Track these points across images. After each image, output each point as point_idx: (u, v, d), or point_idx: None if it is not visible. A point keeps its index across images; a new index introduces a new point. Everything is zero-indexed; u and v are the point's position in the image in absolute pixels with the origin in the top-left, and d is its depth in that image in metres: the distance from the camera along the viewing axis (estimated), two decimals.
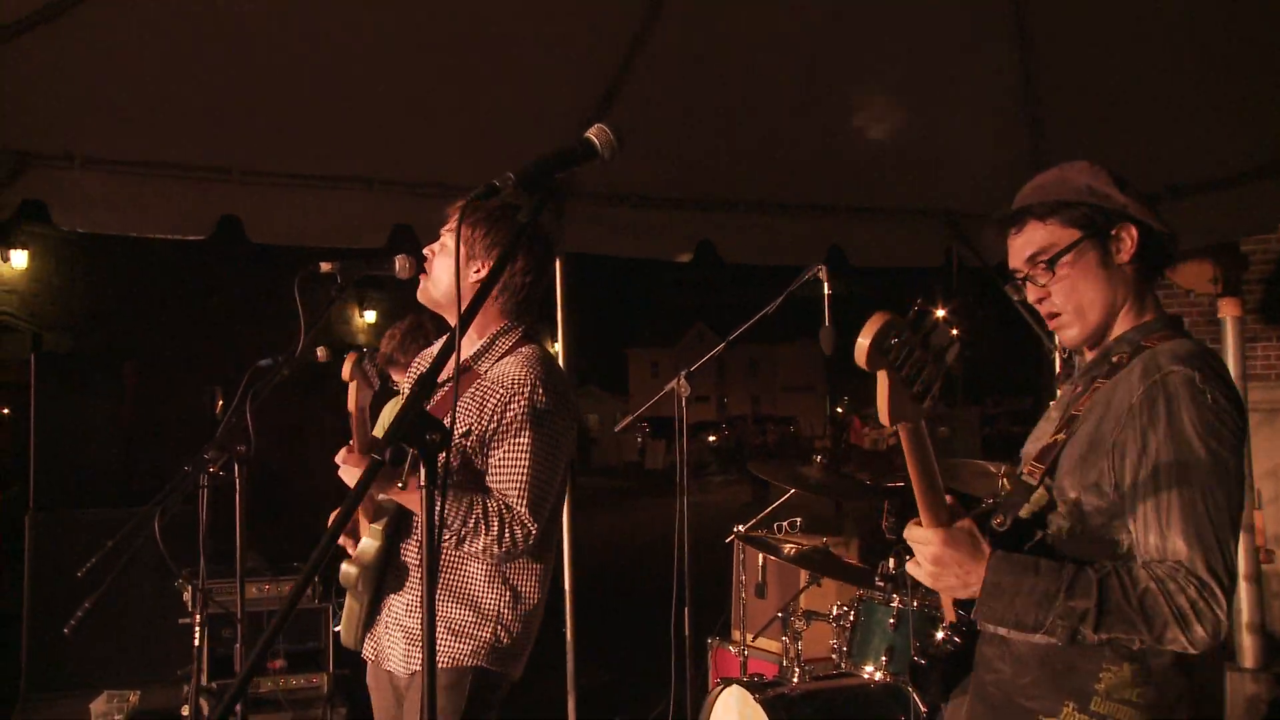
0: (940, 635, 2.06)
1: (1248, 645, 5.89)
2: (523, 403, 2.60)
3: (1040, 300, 2.06)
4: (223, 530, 3.58)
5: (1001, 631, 1.98)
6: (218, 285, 16.71)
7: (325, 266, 2.59)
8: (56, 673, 5.96)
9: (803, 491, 4.15)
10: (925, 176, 5.96)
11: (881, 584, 3.79)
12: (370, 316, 20.60)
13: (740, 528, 4.33)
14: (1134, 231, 2.01)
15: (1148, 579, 1.78)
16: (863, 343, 1.56)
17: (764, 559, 4.61)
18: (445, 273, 2.66)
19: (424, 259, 2.67)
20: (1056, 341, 6.49)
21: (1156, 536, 1.81)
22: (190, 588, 4.61)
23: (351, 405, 2.64)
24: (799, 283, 3.78)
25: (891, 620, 3.68)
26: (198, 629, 3.60)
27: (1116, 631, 1.79)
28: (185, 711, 3.65)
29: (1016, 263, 2.11)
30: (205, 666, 4.28)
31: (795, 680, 3.80)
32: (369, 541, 2.73)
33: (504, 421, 2.61)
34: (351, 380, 2.67)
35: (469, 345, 2.72)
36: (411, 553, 2.71)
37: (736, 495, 21.77)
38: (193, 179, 4.71)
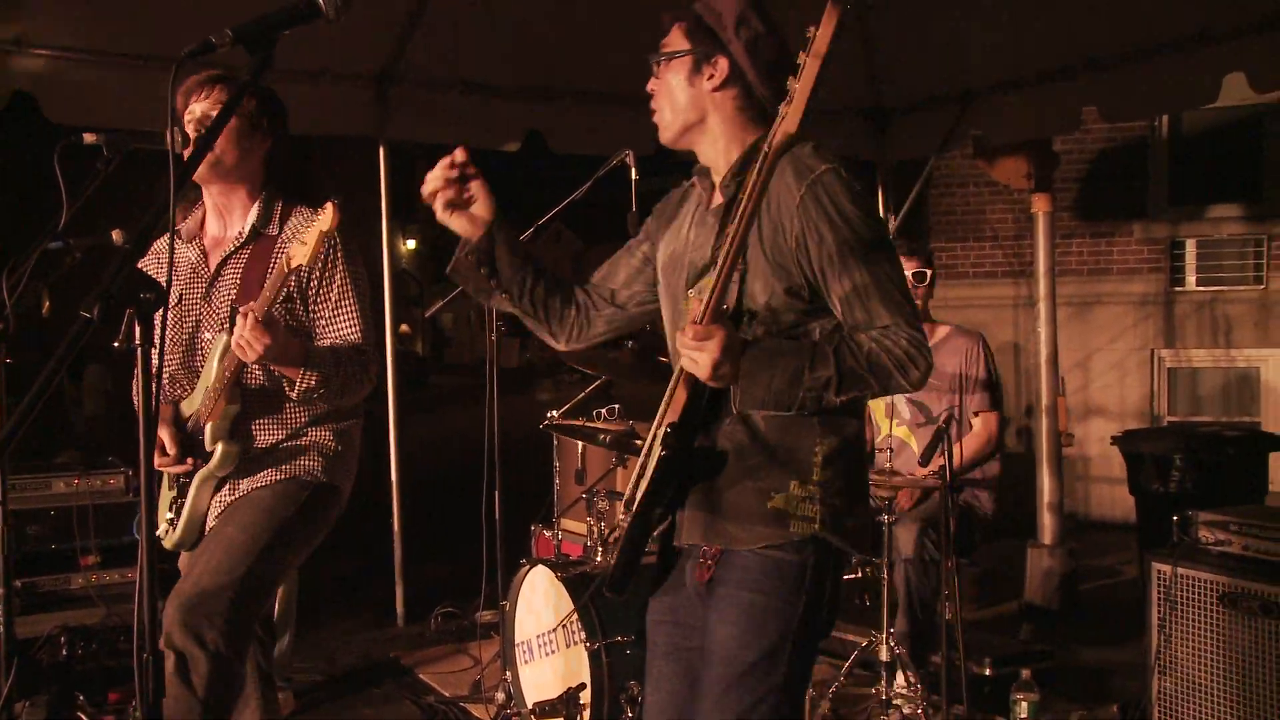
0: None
1: (1047, 524, 6.23)
2: (331, 256, 2.82)
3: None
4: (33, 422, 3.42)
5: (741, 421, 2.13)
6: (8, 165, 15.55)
7: (89, 138, 2.47)
8: None
9: (615, 378, 4.21)
10: None
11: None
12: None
13: (554, 413, 4.38)
14: (724, 65, 2.18)
15: (868, 341, 2.04)
16: None
17: (583, 445, 4.69)
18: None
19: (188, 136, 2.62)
20: None
21: (861, 312, 2.06)
22: None
23: None
24: (606, 168, 3.79)
25: None
26: None
27: (853, 391, 2.04)
28: None
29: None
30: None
31: (598, 559, 3.91)
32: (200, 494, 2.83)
33: (320, 276, 2.81)
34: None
35: (243, 216, 2.87)
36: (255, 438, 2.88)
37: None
38: None
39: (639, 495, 2.13)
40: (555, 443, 4.79)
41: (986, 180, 8.20)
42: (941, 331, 4.59)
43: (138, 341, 1.56)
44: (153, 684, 1.58)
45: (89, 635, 4.55)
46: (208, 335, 2.89)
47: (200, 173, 2.77)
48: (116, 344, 1.91)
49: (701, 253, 2.22)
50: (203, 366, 2.89)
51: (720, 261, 1.95)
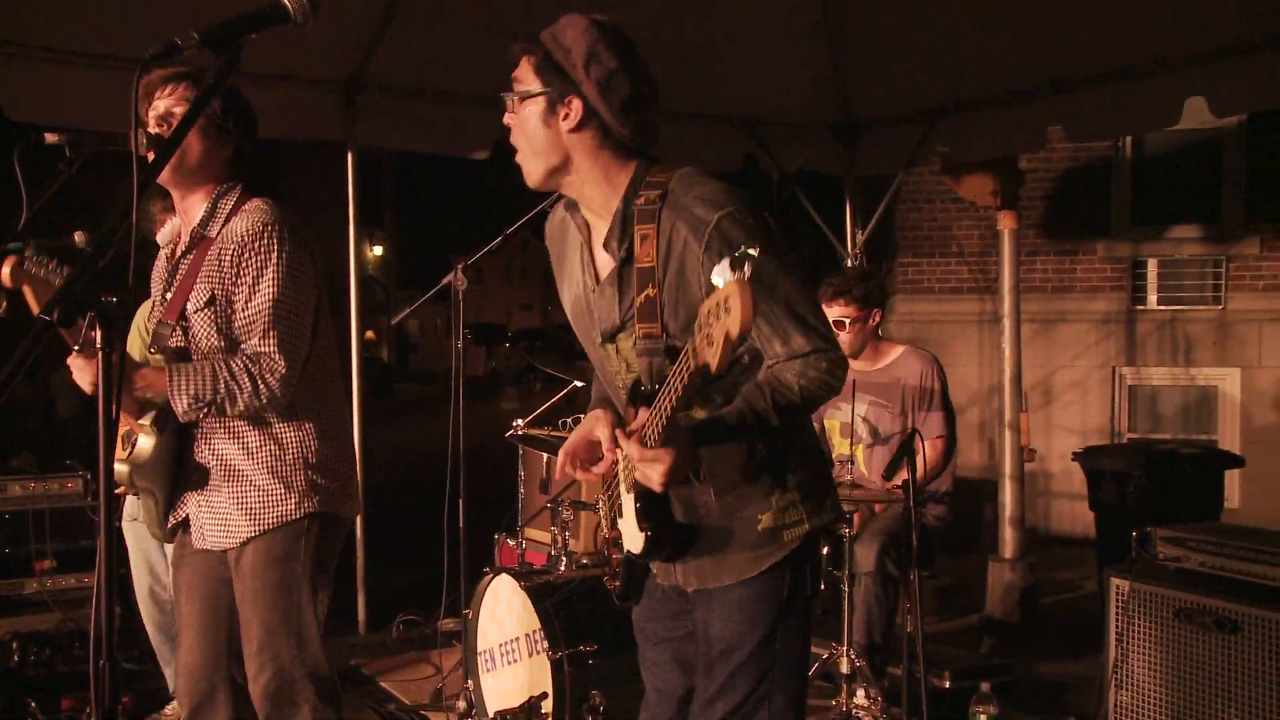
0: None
1: (1009, 538, 6.27)
2: (255, 249, 2.63)
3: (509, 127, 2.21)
4: None
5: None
6: None
7: (50, 138, 2.44)
8: None
9: (581, 384, 4.21)
10: (725, 83, 6.02)
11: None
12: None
13: (519, 422, 4.37)
14: (578, 107, 2.12)
15: (794, 379, 2.08)
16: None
17: (548, 455, 4.68)
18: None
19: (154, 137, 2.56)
20: (850, 249, 6.74)
21: (781, 345, 2.10)
22: None
23: (36, 311, 2.40)
24: None
25: None
26: None
27: (793, 420, 2.12)
28: None
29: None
30: None
31: (562, 569, 3.90)
32: (145, 440, 2.69)
33: (240, 272, 2.64)
34: (20, 285, 2.55)
35: (195, 214, 2.73)
36: (206, 448, 2.75)
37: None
38: None
39: (628, 550, 2.27)
40: (520, 451, 4.78)
41: (953, 197, 8.27)
42: (895, 352, 4.61)
43: (99, 345, 1.53)
44: (108, 691, 1.56)
45: (43, 641, 4.49)
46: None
47: (164, 175, 2.68)
48: (76, 347, 1.90)
49: (610, 318, 2.22)
50: None
51: (660, 398, 1.94)
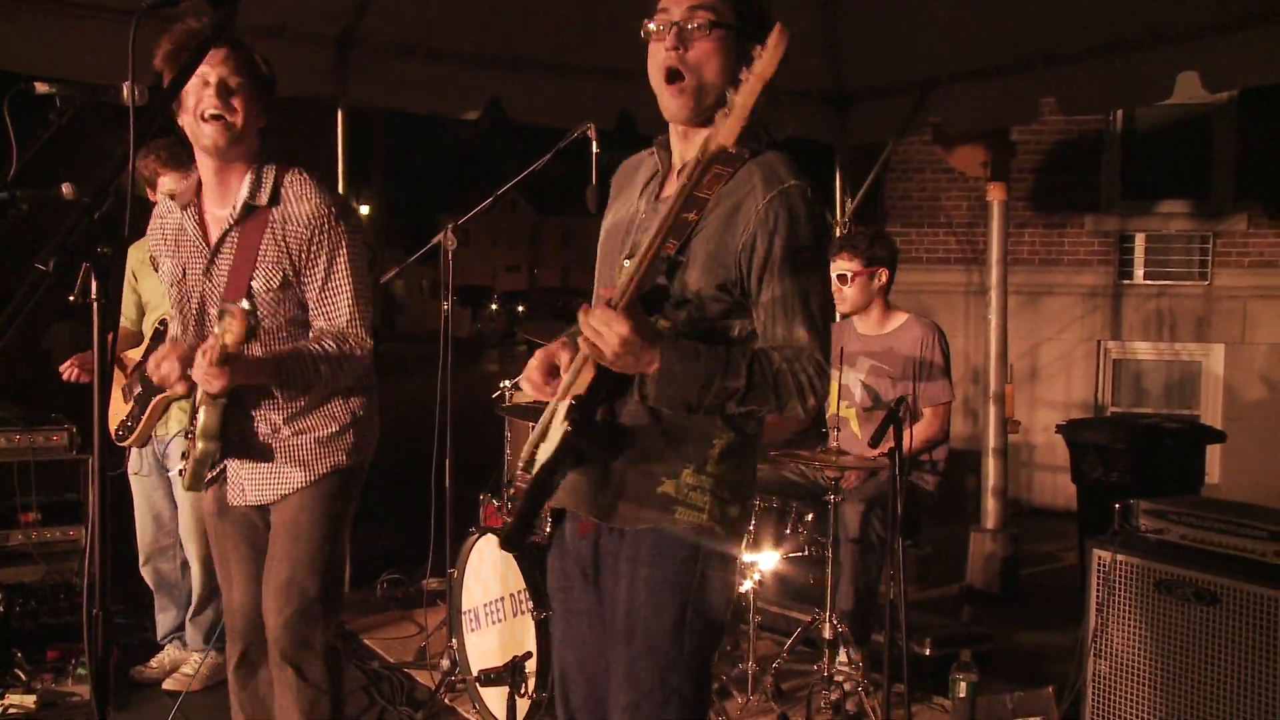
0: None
1: (991, 508, 6.32)
2: (324, 231, 2.75)
3: (674, 49, 2.05)
4: None
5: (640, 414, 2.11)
6: None
7: (41, 87, 2.42)
8: None
9: None
10: None
11: None
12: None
13: (507, 383, 4.37)
14: (758, 52, 1.98)
15: (780, 361, 2.05)
16: None
17: (533, 423, 4.67)
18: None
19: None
20: (839, 218, 6.74)
21: (783, 328, 2.07)
22: None
23: None
24: (568, 140, 3.78)
25: None
26: None
27: (754, 405, 2.06)
28: None
29: (674, 4, 2.07)
30: None
31: (547, 529, 3.90)
32: (212, 412, 2.75)
33: (311, 255, 2.75)
34: None
35: (236, 184, 2.77)
36: (259, 413, 2.83)
37: None
38: None
39: (540, 462, 2.12)
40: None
41: (943, 167, 8.27)
42: (898, 319, 4.62)
43: (94, 296, 1.53)
44: (100, 641, 1.57)
45: (28, 593, 4.49)
46: (213, 311, 2.81)
47: (217, 141, 2.70)
48: (71, 298, 1.89)
49: (648, 233, 2.14)
50: None
51: (643, 250, 1.93)
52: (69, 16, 4.63)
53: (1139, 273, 8.52)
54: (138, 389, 4.14)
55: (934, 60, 6.01)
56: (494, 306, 39.07)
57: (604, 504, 2.16)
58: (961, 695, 3.87)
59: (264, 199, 2.76)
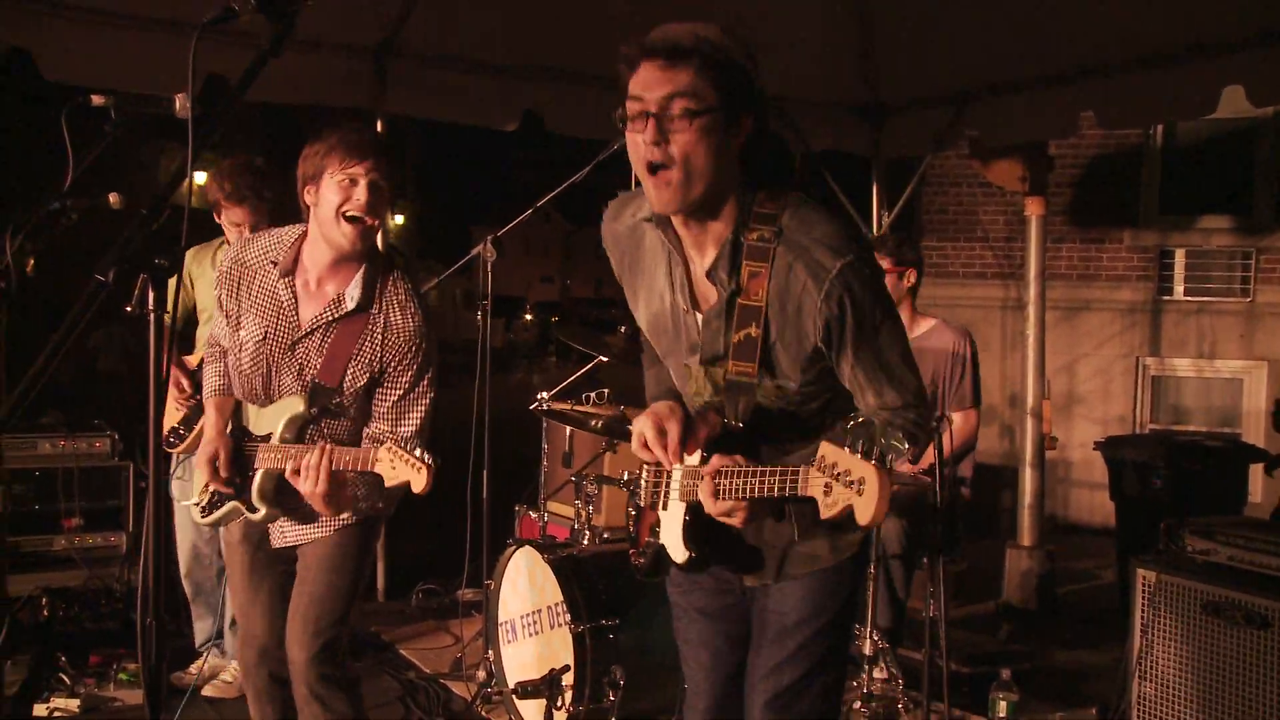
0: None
1: (1027, 525, 6.27)
2: (417, 351, 2.83)
3: (655, 143, 1.95)
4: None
5: None
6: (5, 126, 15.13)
7: (97, 100, 2.44)
8: None
9: (607, 360, 4.21)
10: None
11: None
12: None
13: (545, 394, 4.37)
14: (749, 126, 2.00)
15: (881, 424, 2.10)
16: None
17: (571, 429, 4.68)
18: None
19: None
20: (875, 231, 6.71)
21: (874, 396, 2.13)
22: None
23: None
24: (608, 153, 3.78)
25: None
26: None
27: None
28: None
29: (646, 92, 1.96)
30: None
31: (585, 543, 3.91)
32: (268, 478, 2.83)
33: (401, 367, 2.82)
34: None
35: (346, 281, 2.82)
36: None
37: (574, 373, 21.86)
38: None
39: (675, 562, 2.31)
40: (544, 424, 4.78)
41: (980, 181, 8.22)
42: (927, 324, 4.59)
43: (151, 307, 1.54)
44: (153, 649, 1.58)
45: (70, 597, 4.53)
46: (287, 381, 2.86)
47: (355, 243, 2.76)
48: (129, 309, 1.90)
49: (713, 348, 2.15)
50: (273, 400, 2.89)
51: (751, 479, 1.98)
52: (114, 28, 4.68)
53: (1179, 289, 8.43)
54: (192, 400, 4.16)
55: (971, 73, 5.98)
56: (528, 316, 39.18)
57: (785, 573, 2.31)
58: (1002, 715, 3.84)
59: (367, 303, 2.81)
